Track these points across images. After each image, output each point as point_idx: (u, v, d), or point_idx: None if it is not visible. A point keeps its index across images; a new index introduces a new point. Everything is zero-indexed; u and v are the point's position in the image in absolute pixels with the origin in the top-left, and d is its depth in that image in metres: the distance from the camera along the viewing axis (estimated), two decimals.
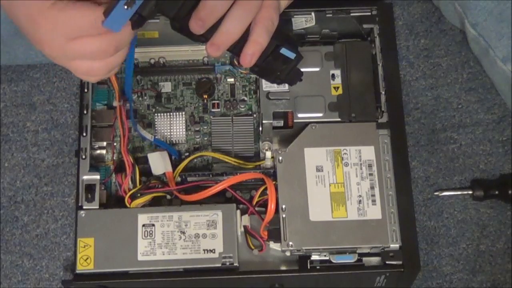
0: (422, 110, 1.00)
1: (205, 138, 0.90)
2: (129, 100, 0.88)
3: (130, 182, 0.85)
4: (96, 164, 0.88)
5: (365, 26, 0.91)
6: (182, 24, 0.67)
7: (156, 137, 0.89)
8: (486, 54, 0.94)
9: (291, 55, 0.72)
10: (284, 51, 0.71)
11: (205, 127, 0.90)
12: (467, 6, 0.93)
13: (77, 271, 0.82)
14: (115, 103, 0.88)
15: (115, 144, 0.88)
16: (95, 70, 0.67)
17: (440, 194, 0.96)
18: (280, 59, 0.72)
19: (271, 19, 0.68)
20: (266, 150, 0.88)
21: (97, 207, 0.84)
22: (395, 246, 0.81)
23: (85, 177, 0.85)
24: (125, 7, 0.62)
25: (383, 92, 0.87)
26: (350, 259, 0.82)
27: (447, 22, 1.02)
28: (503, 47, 0.91)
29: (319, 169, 0.84)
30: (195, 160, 0.89)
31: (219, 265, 0.81)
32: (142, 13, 0.64)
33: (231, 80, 0.92)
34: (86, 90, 0.89)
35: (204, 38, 0.68)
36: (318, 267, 0.82)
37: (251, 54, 0.69)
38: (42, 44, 0.66)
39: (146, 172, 0.86)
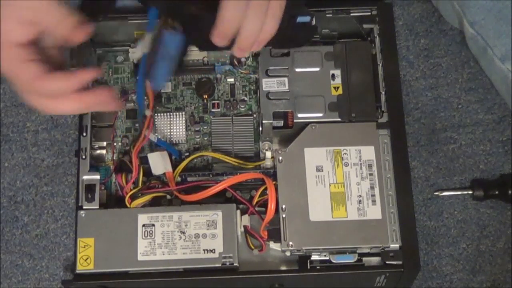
0: (422, 110, 1.00)
1: (205, 138, 0.90)
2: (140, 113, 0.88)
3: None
4: (96, 164, 0.88)
5: (365, 26, 0.90)
6: (208, 42, 0.70)
7: (158, 137, 0.89)
8: (484, 53, 0.94)
9: (307, 19, 0.73)
10: (300, 18, 0.72)
11: (205, 127, 0.90)
12: (465, 5, 0.93)
13: (77, 271, 0.82)
14: (147, 112, 0.87)
15: (115, 144, 0.88)
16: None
17: (440, 194, 0.96)
18: (299, 27, 0.73)
19: (279, 5, 0.70)
20: (266, 150, 0.88)
21: (97, 207, 0.84)
22: (395, 246, 0.81)
23: (85, 177, 0.85)
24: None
25: (383, 92, 0.87)
26: (350, 259, 0.82)
27: (447, 22, 1.02)
28: (501, 45, 0.91)
29: (319, 169, 0.84)
30: (195, 160, 0.89)
31: (219, 265, 0.81)
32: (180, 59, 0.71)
33: (231, 80, 0.92)
34: None
35: (228, 45, 0.71)
36: (318, 267, 0.82)
37: (258, 43, 0.71)
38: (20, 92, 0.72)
39: (146, 172, 0.86)
